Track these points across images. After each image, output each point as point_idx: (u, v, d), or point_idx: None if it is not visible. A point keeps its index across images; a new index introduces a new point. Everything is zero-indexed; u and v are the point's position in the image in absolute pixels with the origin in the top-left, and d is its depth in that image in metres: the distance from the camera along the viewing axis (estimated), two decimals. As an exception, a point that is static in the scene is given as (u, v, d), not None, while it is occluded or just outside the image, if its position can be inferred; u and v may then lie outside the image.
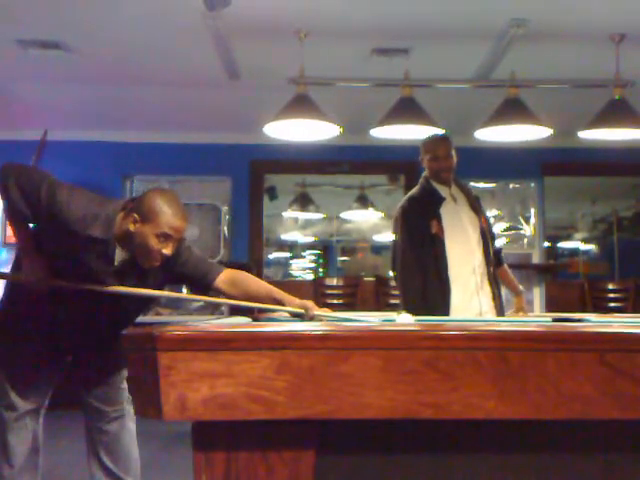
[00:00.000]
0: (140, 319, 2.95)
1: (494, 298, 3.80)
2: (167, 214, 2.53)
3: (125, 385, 2.95)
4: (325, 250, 12.21)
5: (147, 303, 3.09)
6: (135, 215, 2.54)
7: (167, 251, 2.54)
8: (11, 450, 2.76)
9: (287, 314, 2.64)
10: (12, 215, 2.65)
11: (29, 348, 2.77)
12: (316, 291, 7.24)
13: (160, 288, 2.78)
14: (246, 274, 2.82)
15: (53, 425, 3.21)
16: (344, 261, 11.94)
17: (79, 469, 2.98)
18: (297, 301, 2.63)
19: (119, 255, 2.62)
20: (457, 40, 4.96)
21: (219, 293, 2.75)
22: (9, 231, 6.79)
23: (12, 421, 2.76)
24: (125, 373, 2.92)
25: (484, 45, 5.00)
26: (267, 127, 4.77)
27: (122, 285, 2.63)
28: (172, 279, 2.82)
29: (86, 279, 2.60)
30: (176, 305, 7.04)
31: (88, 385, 2.93)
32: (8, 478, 2.75)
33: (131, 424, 2.98)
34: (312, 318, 2.56)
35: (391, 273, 4.14)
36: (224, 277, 2.74)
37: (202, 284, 2.75)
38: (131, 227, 2.54)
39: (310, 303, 2.62)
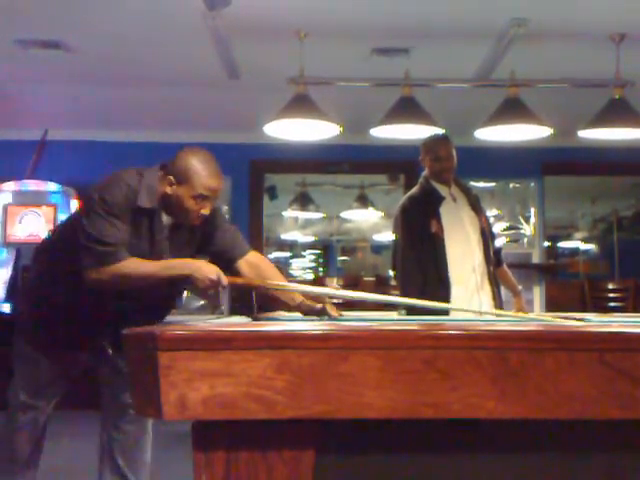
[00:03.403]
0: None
1: (494, 298, 3.81)
2: (202, 175, 2.51)
3: None
4: (325, 250, 12.22)
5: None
6: (170, 178, 2.53)
7: (205, 211, 2.54)
8: (18, 448, 2.74)
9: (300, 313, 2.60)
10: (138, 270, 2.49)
11: (46, 350, 2.72)
12: (316, 291, 7.24)
13: (198, 252, 2.71)
14: (270, 264, 2.78)
15: (53, 425, 3.20)
16: (344, 261, 11.95)
17: (78, 469, 2.97)
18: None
19: (166, 221, 2.60)
20: (457, 40, 4.96)
21: (235, 272, 2.66)
22: (9, 230, 6.79)
23: (22, 420, 2.74)
24: None
25: (484, 45, 5.00)
26: (267, 127, 4.77)
27: (176, 252, 2.58)
28: (208, 243, 2.73)
29: (147, 256, 2.54)
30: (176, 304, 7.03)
31: (114, 381, 2.81)
32: (11, 475, 2.75)
33: (150, 429, 2.91)
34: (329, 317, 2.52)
35: (391, 272, 4.14)
36: (250, 258, 2.70)
37: (227, 257, 2.69)
38: (168, 190, 2.53)
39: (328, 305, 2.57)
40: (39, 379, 2.75)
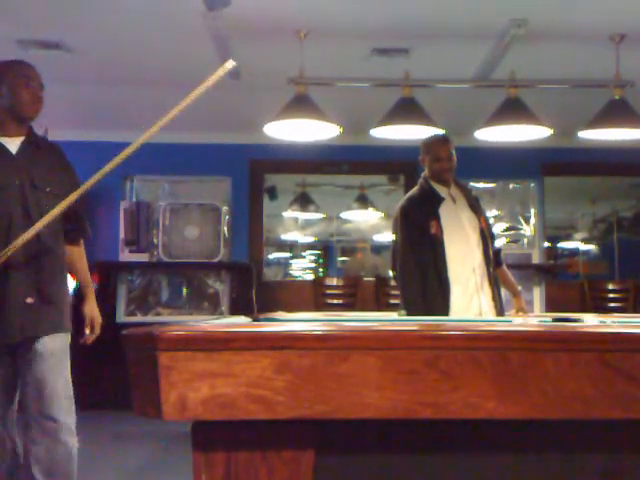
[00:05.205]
0: (140, 319, 2.94)
1: (494, 298, 3.81)
2: (12, 64, 2.91)
3: (65, 395, 2.69)
4: (325, 250, 12.21)
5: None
6: None
7: (36, 90, 2.87)
8: None
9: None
10: None
11: None
12: (316, 291, 7.24)
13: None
14: (81, 258, 3.02)
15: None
16: (344, 261, 11.93)
17: (79, 469, 2.96)
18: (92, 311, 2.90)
19: (12, 146, 2.84)
20: (457, 40, 4.96)
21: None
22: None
23: None
24: (64, 380, 2.70)
25: (484, 45, 5.00)
26: (267, 127, 4.77)
27: (30, 172, 2.81)
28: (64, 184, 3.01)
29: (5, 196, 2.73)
30: (176, 305, 7.04)
31: (21, 391, 2.70)
32: None
33: (70, 439, 2.67)
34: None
35: (391, 273, 4.14)
36: (74, 245, 2.99)
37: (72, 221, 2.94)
38: (0, 98, 2.83)
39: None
40: None
